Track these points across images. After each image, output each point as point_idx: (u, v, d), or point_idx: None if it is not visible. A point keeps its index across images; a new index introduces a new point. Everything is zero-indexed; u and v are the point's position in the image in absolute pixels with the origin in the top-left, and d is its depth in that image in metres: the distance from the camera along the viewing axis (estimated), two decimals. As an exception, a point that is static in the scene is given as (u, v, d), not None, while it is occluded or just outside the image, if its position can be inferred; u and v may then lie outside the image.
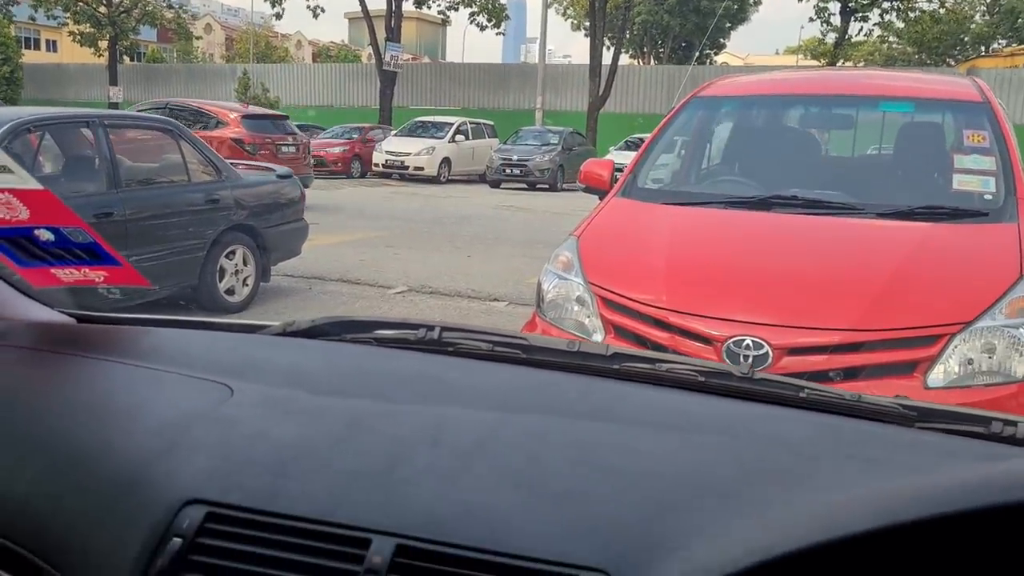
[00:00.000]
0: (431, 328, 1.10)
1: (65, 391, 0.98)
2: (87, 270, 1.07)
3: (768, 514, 0.60)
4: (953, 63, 36.90)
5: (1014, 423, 0.87)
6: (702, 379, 0.98)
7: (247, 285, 6.69)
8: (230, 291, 6.52)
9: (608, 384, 0.99)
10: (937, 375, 2.70)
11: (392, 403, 0.91)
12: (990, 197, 3.40)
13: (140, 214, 5.75)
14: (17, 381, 1.00)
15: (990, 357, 2.73)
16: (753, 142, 4.38)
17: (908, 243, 3.16)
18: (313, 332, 1.16)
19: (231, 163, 7.06)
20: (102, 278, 1.08)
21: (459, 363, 1.04)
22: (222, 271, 6.43)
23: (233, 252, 6.52)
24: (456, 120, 23.48)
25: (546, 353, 1.05)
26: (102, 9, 35.51)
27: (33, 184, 0.99)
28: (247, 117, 13.32)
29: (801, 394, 0.95)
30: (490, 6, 32.21)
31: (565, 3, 45.57)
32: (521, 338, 1.07)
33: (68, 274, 1.08)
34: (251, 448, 0.84)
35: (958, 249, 3.14)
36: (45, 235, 1.02)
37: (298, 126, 25.33)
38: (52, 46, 53.09)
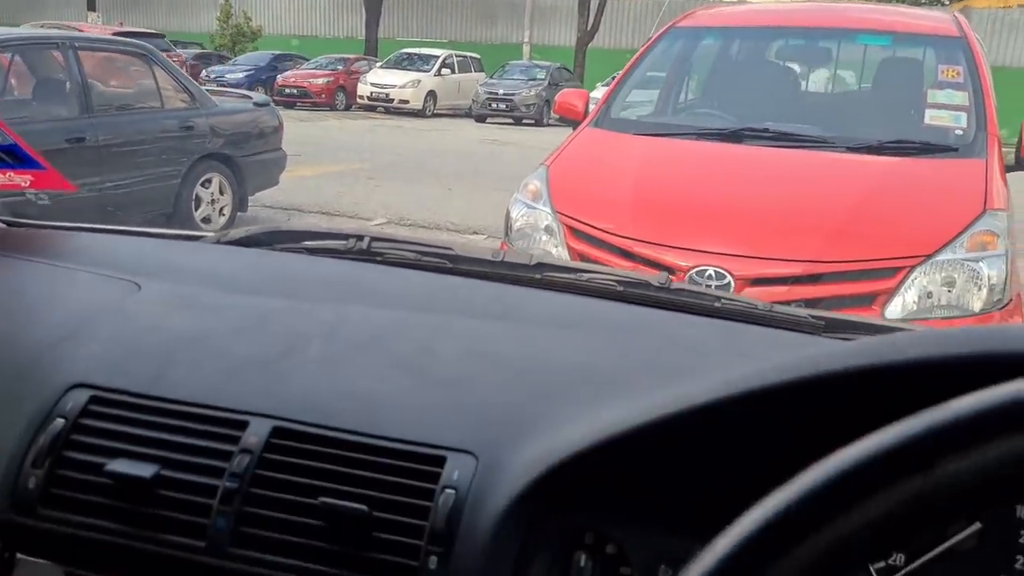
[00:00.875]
0: (360, 238, 1.11)
1: None
2: (12, 174, 1.06)
3: (639, 400, 0.62)
4: (947, 3, 36.45)
5: (912, 331, 0.89)
6: (620, 288, 0.99)
7: (223, 214, 6.64)
8: (206, 220, 6.47)
9: (525, 291, 1.00)
10: (895, 307, 2.73)
11: (300, 301, 0.92)
12: (960, 132, 3.40)
13: (113, 140, 5.67)
14: None
15: (949, 290, 2.76)
16: (730, 74, 4.35)
17: (874, 176, 3.17)
18: (247, 241, 1.16)
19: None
20: (27, 182, 1.07)
21: (382, 269, 1.05)
22: (198, 199, 6.37)
23: (209, 181, 6.46)
24: (442, 53, 23.13)
25: (471, 263, 1.06)
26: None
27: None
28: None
29: (716, 304, 0.96)
30: (479, -65, 31.46)
31: (556, -67, 44.56)
32: (447, 248, 1.08)
33: (-8, 177, 1.07)
34: (144, 338, 0.86)
35: (924, 183, 3.16)
36: (-37, 136, 1.01)
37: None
38: (29, -31, 51.62)
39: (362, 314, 0.89)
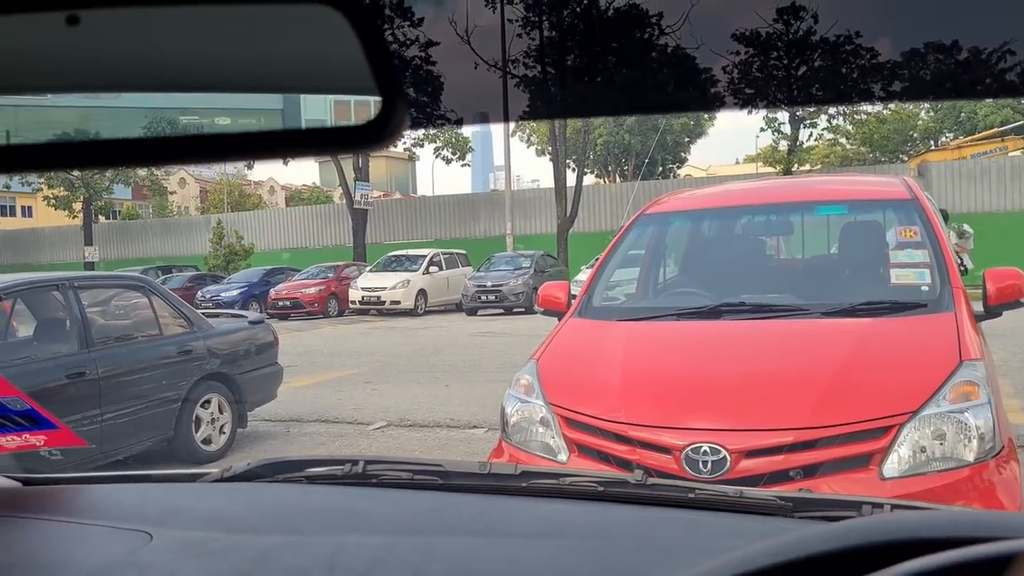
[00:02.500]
0: (355, 463, 1.18)
1: (2, 552, 1.03)
2: (27, 435, 1.14)
3: None
4: (906, 159, 38.23)
5: (880, 505, 0.95)
6: (600, 489, 1.05)
7: (224, 433, 6.68)
8: (207, 440, 6.51)
9: (511, 501, 1.06)
10: (892, 465, 2.76)
11: (300, 535, 0.98)
12: (926, 288, 3.55)
13: (112, 371, 5.80)
14: None
15: (941, 443, 2.81)
16: (702, 253, 4.56)
17: (852, 339, 3.28)
18: (248, 476, 1.23)
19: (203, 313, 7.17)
20: (42, 441, 1.15)
21: (376, 493, 1.11)
22: (198, 421, 6.43)
23: (208, 401, 6.54)
24: (429, 252, 23.87)
25: (461, 477, 1.12)
26: (75, 172, 36.35)
27: (-31, 361, 1.08)
28: None
29: (689, 495, 1.02)
30: (454, 140, 33.30)
31: (528, 131, 47.17)
32: (438, 465, 1.14)
33: (9, 440, 1.15)
34: None
35: (899, 341, 3.26)
36: (-15, 406, 1.09)
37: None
38: (27, 212, 53.90)
39: (357, 543, 0.95)
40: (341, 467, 1.19)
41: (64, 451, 3.83)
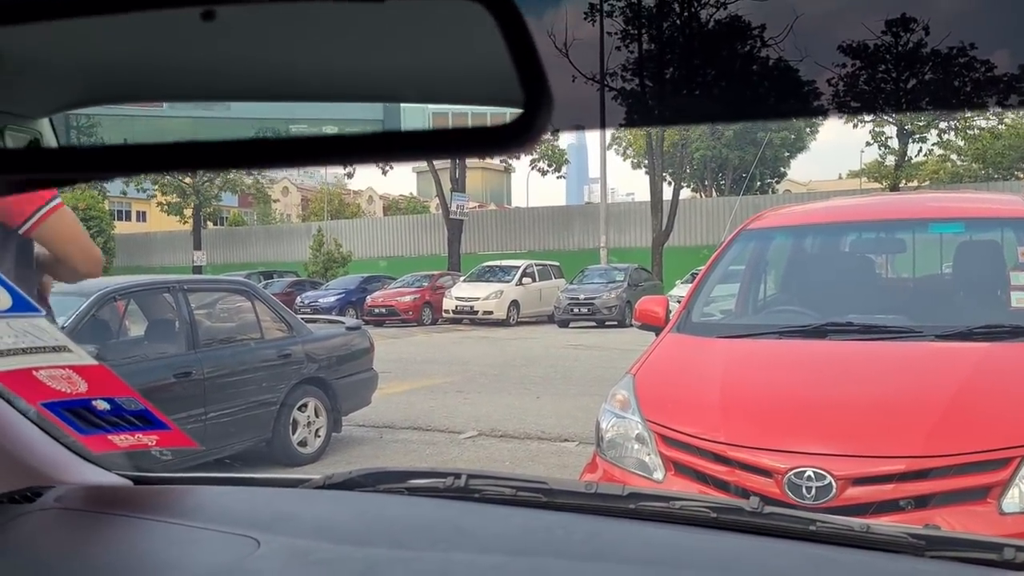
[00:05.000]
0: (458, 476, 1.16)
1: (112, 552, 1.05)
2: (140, 435, 1.17)
3: None
4: (1022, 176, 36.49)
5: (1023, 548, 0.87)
6: (714, 515, 1.01)
7: (319, 436, 6.81)
8: (303, 443, 6.65)
9: (619, 524, 1.02)
10: (1012, 499, 2.60)
11: (407, 550, 0.96)
12: (1052, 313, 3.35)
13: (216, 372, 5.99)
14: (72, 543, 1.09)
15: (1066, 479, 2.63)
16: (806, 270, 4.41)
17: (968, 364, 3.11)
18: (349, 484, 1.22)
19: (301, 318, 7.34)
20: (154, 441, 1.18)
21: (480, 508, 1.09)
22: (295, 423, 6.58)
23: (305, 405, 6.69)
24: (522, 263, 23.95)
25: (565, 496, 1.09)
26: (187, 180, 37.90)
27: (89, 360, 1.10)
28: None
29: (811, 527, 0.96)
30: (550, 152, 33.37)
31: (624, 144, 46.95)
32: (542, 482, 1.12)
33: (123, 439, 1.17)
34: None
35: (1021, 367, 3.08)
36: (101, 405, 1.12)
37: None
38: (142, 216, 56.44)
39: (467, 561, 0.93)
40: (443, 480, 1.17)
41: (174, 451, 3.96)
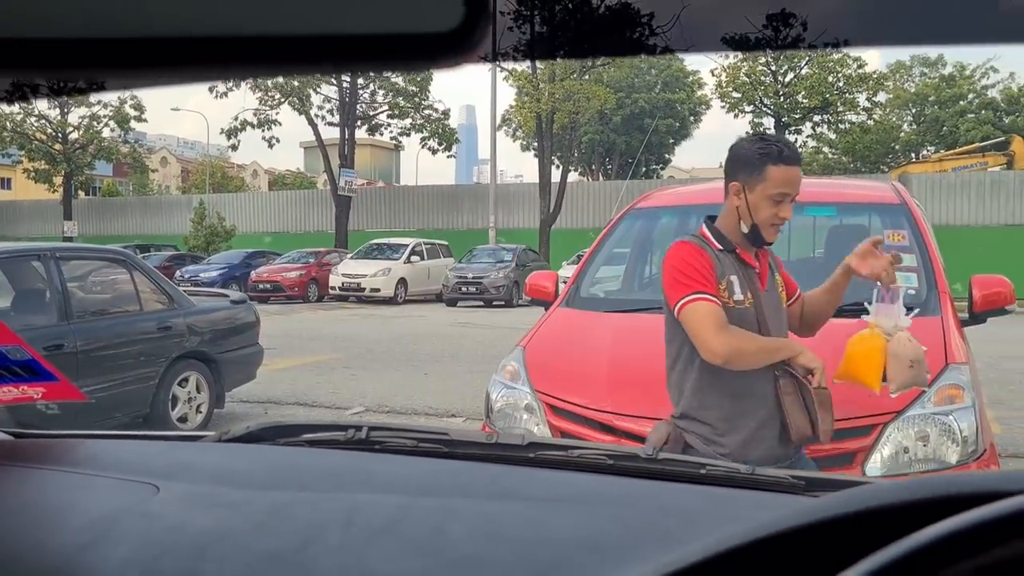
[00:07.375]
0: (359, 428, 1.16)
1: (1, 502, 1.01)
2: (25, 387, 1.12)
3: (640, 567, 0.66)
4: (886, 170, 38.57)
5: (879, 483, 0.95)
6: (611, 462, 1.05)
7: (200, 412, 6.62)
8: (183, 419, 6.44)
9: (522, 470, 1.05)
10: (874, 464, 2.78)
11: (312, 492, 0.96)
12: (913, 292, 3.56)
13: (91, 345, 5.73)
14: None
15: (924, 445, 2.83)
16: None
17: (838, 338, 3.28)
18: (247, 438, 1.21)
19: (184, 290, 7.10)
20: (40, 394, 1.13)
21: (384, 458, 1.10)
22: (175, 399, 6.37)
23: (186, 379, 6.48)
24: (411, 241, 23.81)
25: (466, 446, 1.11)
26: (57, 146, 35.92)
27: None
28: None
29: (701, 471, 1.02)
30: (440, 131, 33.19)
31: (514, 125, 47.12)
32: (443, 433, 1.13)
33: (6, 392, 1.12)
34: (172, 537, 0.88)
35: (886, 342, 3.27)
36: (-18, 354, 1.07)
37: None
38: (7, 184, 53.27)
39: (373, 501, 0.94)
40: (343, 432, 1.17)
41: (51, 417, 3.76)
